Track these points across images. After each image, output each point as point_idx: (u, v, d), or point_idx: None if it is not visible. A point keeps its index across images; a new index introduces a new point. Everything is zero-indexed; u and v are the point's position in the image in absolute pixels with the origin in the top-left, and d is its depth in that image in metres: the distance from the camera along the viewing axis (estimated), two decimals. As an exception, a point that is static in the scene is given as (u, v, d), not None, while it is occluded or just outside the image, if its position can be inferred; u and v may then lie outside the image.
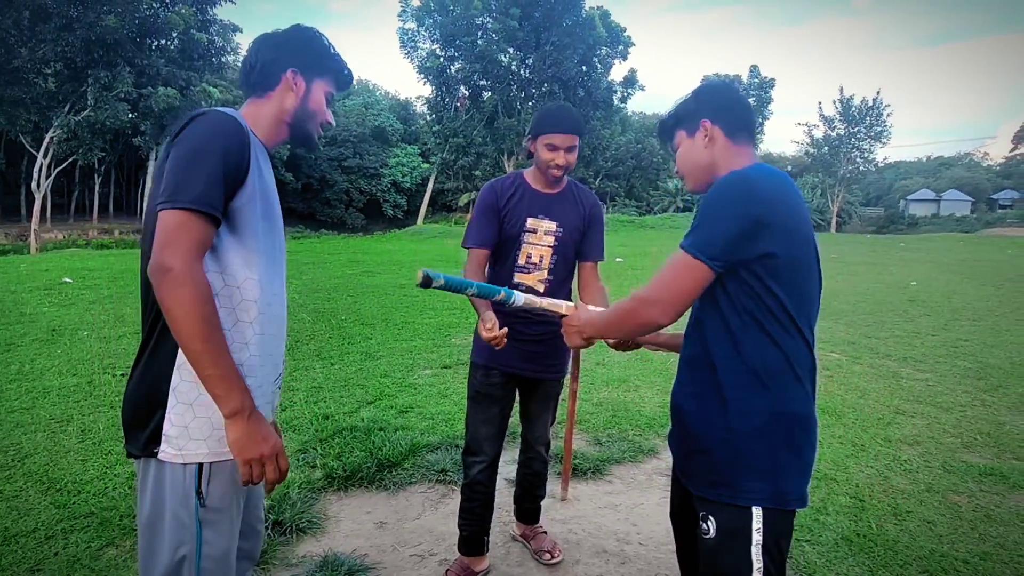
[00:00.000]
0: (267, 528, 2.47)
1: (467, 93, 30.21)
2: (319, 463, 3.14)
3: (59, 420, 3.66)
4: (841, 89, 46.59)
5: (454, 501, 2.82)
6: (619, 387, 4.62)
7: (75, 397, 4.07)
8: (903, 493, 3.04)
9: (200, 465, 1.20)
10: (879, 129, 39.35)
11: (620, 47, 30.38)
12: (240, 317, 1.23)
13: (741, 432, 1.26)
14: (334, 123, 1.46)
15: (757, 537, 1.25)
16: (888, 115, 39.27)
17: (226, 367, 1.12)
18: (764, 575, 1.25)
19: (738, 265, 1.22)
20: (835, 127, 40.36)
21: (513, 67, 29.12)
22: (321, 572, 2.26)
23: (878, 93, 39.78)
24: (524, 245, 2.15)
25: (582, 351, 2.46)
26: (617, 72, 32.34)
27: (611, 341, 1.80)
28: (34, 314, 6.71)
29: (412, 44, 29.64)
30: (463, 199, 40.44)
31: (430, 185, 35.56)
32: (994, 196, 62.21)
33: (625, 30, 30.34)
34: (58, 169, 24.28)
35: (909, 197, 61.58)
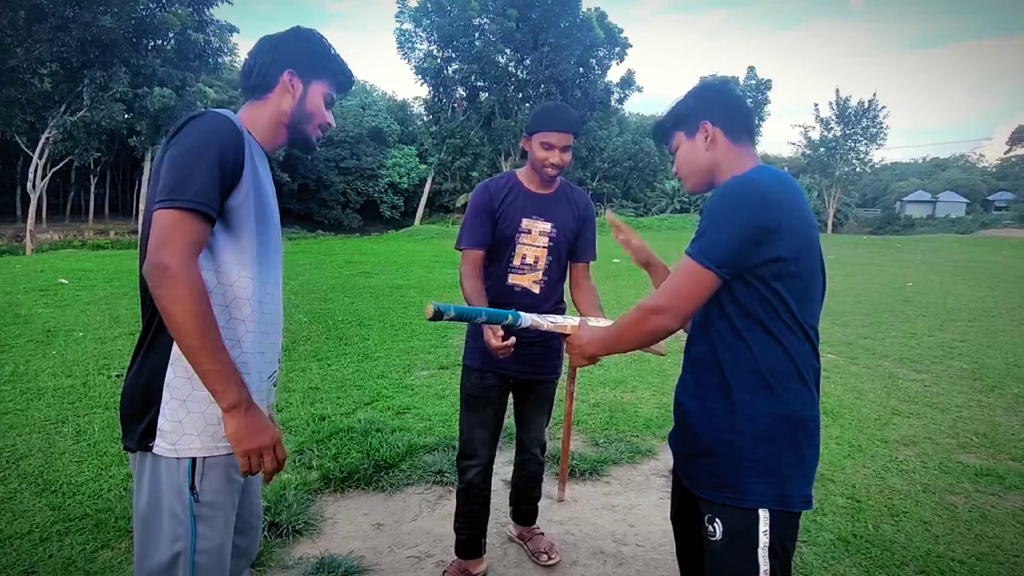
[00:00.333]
0: (264, 529, 2.46)
1: (464, 94, 30.19)
2: (315, 464, 3.13)
3: (54, 421, 3.64)
4: (837, 91, 46.81)
5: (451, 502, 2.80)
6: (616, 388, 4.62)
7: (70, 398, 4.05)
8: (900, 494, 3.05)
9: (193, 460, 1.22)
10: (875, 131, 39.47)
11: (617, 48, 30.38)
12: (233, 315, 1.25)
13: (747, 434, 1.26)
14: (334, 125, 1.46)
15: (764, 540, 1.25)
16: (884, 117, 39.41)
17: (223, 362, 1.14)
18: None
19: (747, 270, 1.23)
20: (831, 128, 40.48)
21: (510, 68, 29.11)
22: (317, 574, 2.25)
23: (874, 95, 40.05)
24: (519, 246, 2.14)
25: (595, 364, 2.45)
26: (614, 73, 32.50)
27: None
28: (29, 315, 6.68)
29: (409, 45, 29.61)
30: (460, 200, 40.42)
31: (427, 186, 35.54)
32: (990, 197, 62.46)
33: (622, 31, 30.34)
34: (54, 170, 24.21)
35: (905, 198, 61.81)
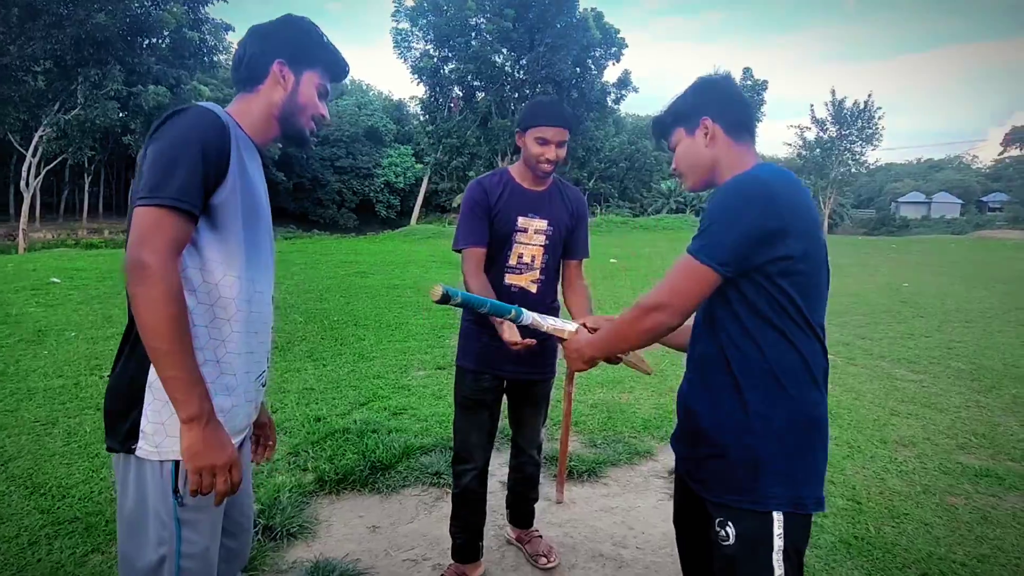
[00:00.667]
0: (257, 532, 2.42)
1: (461, 94, 30.12)
2: (310, 466, 3.09)
3: (44, 422, 3.59)
4: (833, 91, 46.86)
5: (448, 504, 2.75)
6: (614, 388, 4.59)
7: (61, 399, 4.00)
8: (900, 495, 3.02)
9: (177, 463, 1.18)
10: (870, 132, 39.55)
11: (614, 49, 30.33)
12: (217, 314, 1.21)
13: (762, 435, 1.24)
14: (329, 117, 1.42)
15: (779, 543, 1.22)
16: (880, 118, 39.51)
17: (188, 370, 1.10)
18: None
19: (752, 269, 1.20)
20: (827, 129, 40.57)
21: (507, 68, 29.05)
22: (312, 578, 2.21)
23: (869, 96, 40.03)
24: (515, 245, 2.09)
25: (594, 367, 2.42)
26: (611, 73, 32.39)
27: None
28: (20, 314, 6.61)
29: (406, 44, 29.51)
30: (457, 200, 40.29)
31: (423, 186, 35.46)
32: (983, 198, 62.78)
33: (619, 32, 30.33)
34: (47, 168, 24.02)
35: (900, 199, 62.06)
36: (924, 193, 62.78)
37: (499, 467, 2.84)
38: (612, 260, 14.09)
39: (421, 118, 32.76)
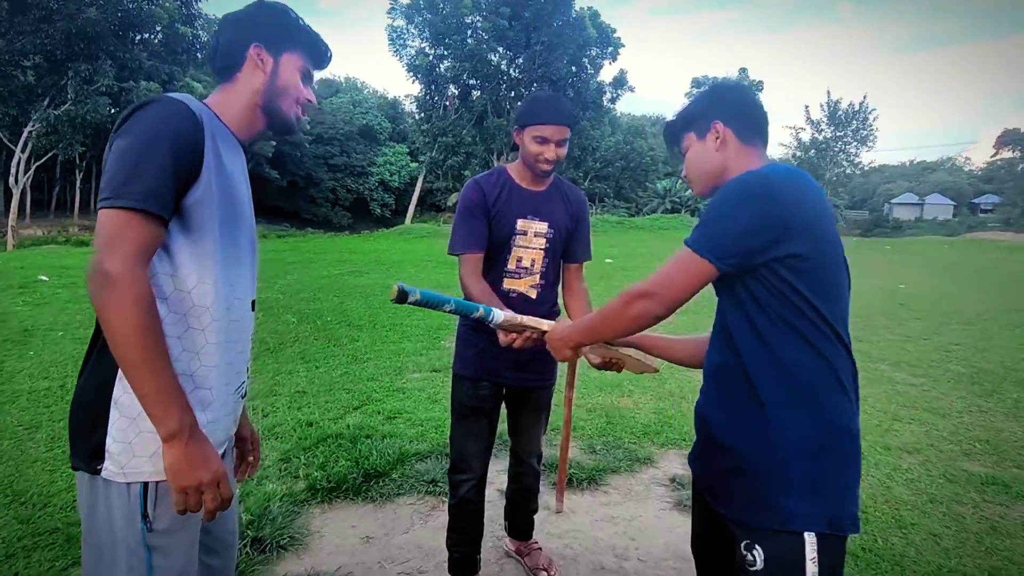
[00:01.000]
0: (246, 545, 2.33)
1: (456, 92, 29.99)
2: (302, 473, 3.00)
3: (27, 427, 3.48)
4: (828, 92, 47.06)
5: (444, 514, 2.68)
6: (612, 392, 4.52)
7: (46, 402, 3.89)
8: (906, 504, 2.96)
9: (145, 485, 1.09)
10: (865, 133, 39.75)
11: (610, 48, 30.29)
12: (191, 324, 1.12)
13: (786, 448, 1.15)
14: (316, 102, 1.33)
15: (812, 568, 1.13)
16: (874, 119, 39.69)
17: (165, 384, 1.01)
18: None
19: (758, 266, 1.14)
20: (822, 130, 40.72)
21: (503, 66, 28.95)
22: (303, 594, 2.13)
23: (864, 97, 40.27)
24: (515, 249, 1.99)
25: (578, 363, 2.35)
26: (607, 73, 32.39)
27: (594, 360, 1.72)
28: (5, 313, 6.47)
29: (401, 42, 29.37)
30: (452, 199, 40.17)
31: (419, 184, 35.32)
32: (976, 200, 63.13)
33: (615, 31, 30.30)
34: (37, 164, 23.75)
35: (893, 201, 62.29)
36: (917, 194, 63.08)
37: (497, 475, 2.76)
38: (608, 260, 14.03)
39: (416, 116, 32.60)
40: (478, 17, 27.75)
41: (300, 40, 1.27)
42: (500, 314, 1.54)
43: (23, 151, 21.87)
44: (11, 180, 22.30)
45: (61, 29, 19.04)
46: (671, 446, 3.60)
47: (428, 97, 29.96)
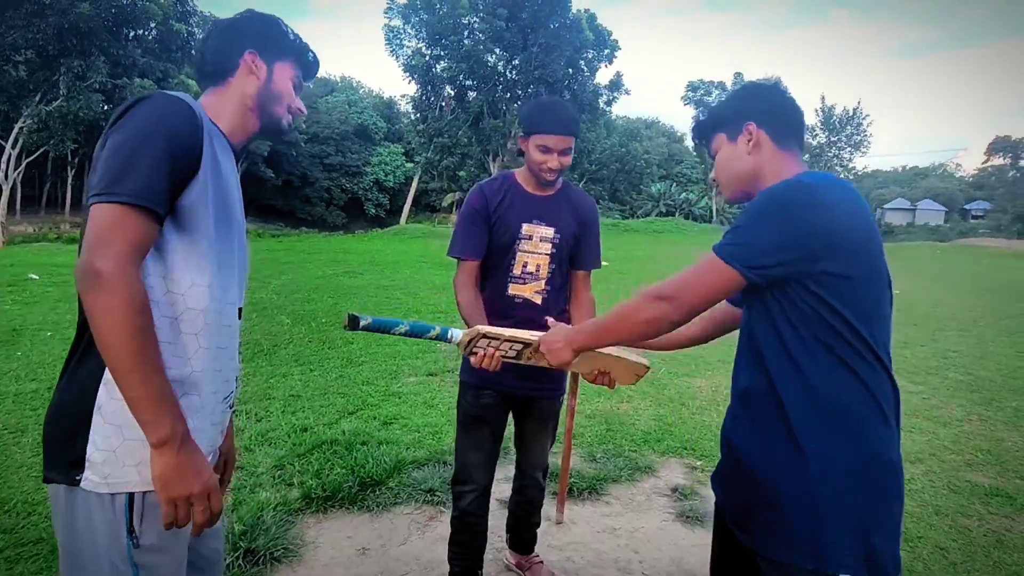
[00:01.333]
0: (239, 558, 2.26)
1: (452, 93, 29.93)
2: (296, 481, 2.92)
3: (13, 430, 3.38)
4: (823, 97, 47.39)
5: (442, 524, 2.63)
6: (612, 398, 4.47)
7: (32, 404, 3.79)
8: (912, 516, 2.92)
9: (131, 496, 1.03)
10: (859, 138, 40.03)
11: (606, 50, 30.34)
12: (183, 328, 1.07)
13: (824, 482, 1.07)
14: (305, 111, 1.32)
15: None
16: (868, 125, 39.96)
17: (157, 388, 0.96)
18: None
19: (791, 281, 1.07)
20: (816, 135, 40.93)
21: (499, 68, 28.91)
22: (297, 609, 2.06)
23: (858, 102, 40.54)
24: (519, 254, 1.96)
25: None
26: (603, 75, 32.44)
27: (584, 371, 1.68)
28: (-6, 312, 6.36)
29: (397, 42, 29.29)
30: (447, 199, 40.11)
31: (414, 184, 35.21)
32: (967, 206, 63.61)
33: (612, 33, 30.34)
34: (28, 160, 23.51)
35: (885, 206, 62.71)
36: (909, 200, 63.52)
37: (497, 483, 2.69)
38: (604, 263, 14.00)
39: (412, 117, 32.55)
40: (475, 18, 27.71)
41: (291, 50, 1.27)
42: (458, 333, 1.53)
43: (13, 147, 21.63)
44: (1, 176, 22.04)
45: (53, 24, 18.86)
46: (672, 454, 3.55)
47: (424, 97, 29.89)
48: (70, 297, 7.35)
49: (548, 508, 2.76)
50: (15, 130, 21.45)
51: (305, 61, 1.29)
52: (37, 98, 20.92)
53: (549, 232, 1.98)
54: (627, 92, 32.15)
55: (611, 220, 33.89)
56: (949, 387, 5.25)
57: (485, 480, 2.08)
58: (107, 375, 1.02)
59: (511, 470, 2.35)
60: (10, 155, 21.70)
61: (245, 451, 3.24)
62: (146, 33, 23.19)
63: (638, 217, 38.76)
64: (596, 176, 44.22)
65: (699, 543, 2.60)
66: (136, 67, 21.94)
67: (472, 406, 2.03)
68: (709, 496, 2.87)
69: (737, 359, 1.26)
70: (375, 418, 3.85)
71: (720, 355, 5.82)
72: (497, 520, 2.48)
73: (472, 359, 1.59)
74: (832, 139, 40.55)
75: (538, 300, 1.99)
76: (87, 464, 1.02)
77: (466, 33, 28.13)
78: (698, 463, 3.43)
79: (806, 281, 1.07)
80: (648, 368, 1.72)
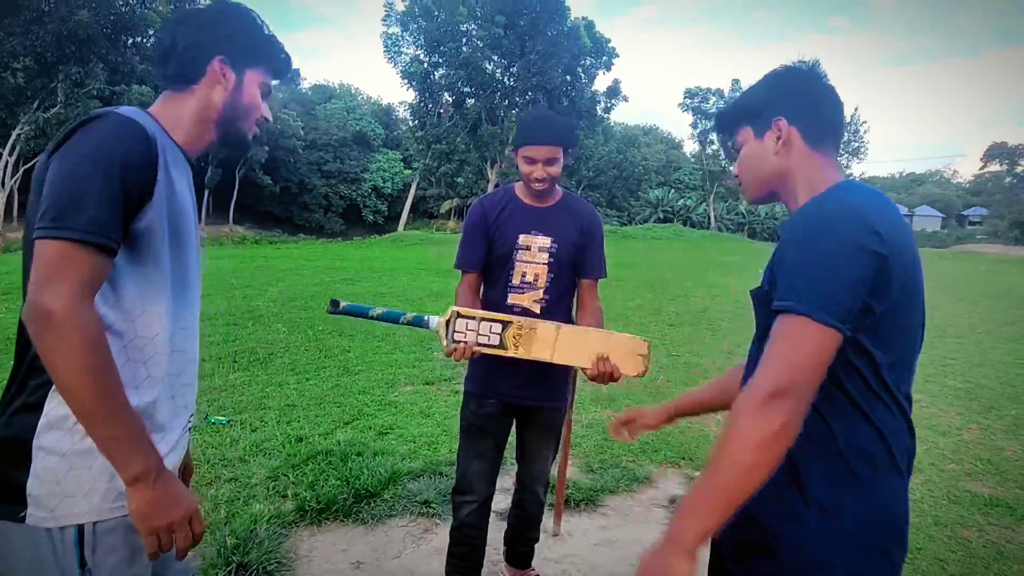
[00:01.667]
0: (231, 572, 2.23)
1: (451, 100, 30.04)
2: (291, 493, 2.89)
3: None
4: (819, 105, 47.49)
5: (438, 537, 2.60)
6: (608, 406, 4.44)
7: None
8: (911, 527, 2.88)
9: (81, 528, 0.98)
10: (856, 145, 40.16)
11: (604, 58, 30.51)
12: (132, 357, 1.02)
13: (825, 540, 0.99)
14: (271, 120, 1.25)
15: None
16: (865, 131, 40.14)
17: (125, 426, 0.93)
18: None
19: None
20: (813, 142, 41.10)
21: (497, 75, 29.05)
22: (289, 626, 2.03)
23: (856, 109, 40.67)
24: (518, 264, 2.00)
25: (577, 377, 2.28)
26: (601, 83, 32.50)
27: (589, 372, 1.68)
28: (-12, 321, 6.32)
29: (396, 49, 29.43)
30: (445, 206, 40.16)
31: (412, 191, 35.24)
32: (964, 212, 63.88)
33: (609, 41, 30.50)
34: (26, 167, 23.50)
35: (883, 212, 62.89)
36: (906, 206, 63.75)
37: (496, 495, 2.67)
38: (602, 270, 13.96)
39: (410, 123, 32.62)
40: (473, 25, 27.83)
41: (264, 54, 1.18)
42: (434, 320, 1.72)
43: (11, 154, 21.64)
44: (-2, 183, 22.04)
45: (52, 31, 18.91)
46: (669, 464, 3.53)
47: (422, 104, 29.99)
48: (65, 305, 7.32)
49: (545, 520, 2.73)
50: (12, 137, 21.46)
51: (276, 62, 1.21)
52: (35, 105, 20.94)
53: (546, 242, 2.00)
54: (625, 99, 32.34)
55: (609, 227, 33.88)
56: (948, 395, 5.23)
57: (486, 491, 2.07)
58: (48, 406, 0.98)
59: (510, 482, 2.33)
60: (7, 162, 21.71)
61: (239, 462, 3.21)
62: (144, 40, 23.27)
63: (636, 223, 38.79)
64: (594, 183, 44.31)
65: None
66: (134, 74, 22.00)
67: (475, 415, 2.05)
68: (707, 507, 2.84)
69: (745, 378, 1.14)
70: (371, 428, 3.83)
71: (720, 364, 5.81)
72: (495, 532, 2.45)
73: (453, 356, 1.74)
74: (829, 146, 40.74)
75: (536, 309, 2.00)
76: (29, 499, 0.97)
77: (464, 40, 28.25)
78: (696, 473, 3.41)
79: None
80: (648, 344, 1.73)
